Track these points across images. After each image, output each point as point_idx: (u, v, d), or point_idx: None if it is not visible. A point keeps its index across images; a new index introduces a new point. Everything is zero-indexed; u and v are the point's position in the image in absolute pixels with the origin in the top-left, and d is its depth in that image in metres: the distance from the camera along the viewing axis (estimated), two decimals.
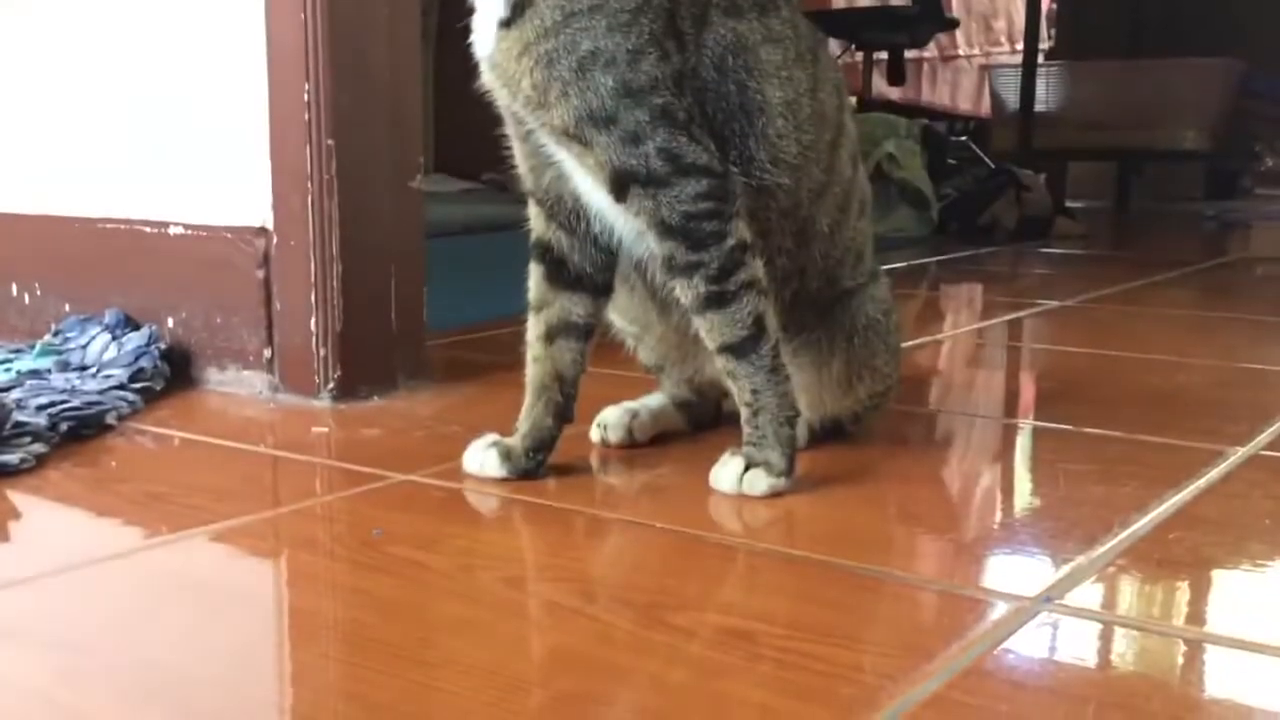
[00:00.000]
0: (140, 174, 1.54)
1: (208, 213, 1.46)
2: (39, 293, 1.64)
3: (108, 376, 1.36)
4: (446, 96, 3.99)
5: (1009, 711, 0.67)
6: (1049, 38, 5.91)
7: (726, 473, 1.04)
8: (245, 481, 1.13)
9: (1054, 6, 5.97)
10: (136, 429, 1.28)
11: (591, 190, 1.03)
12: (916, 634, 0.78)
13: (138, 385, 1.36)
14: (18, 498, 1.06)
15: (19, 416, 1.17)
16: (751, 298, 1.02)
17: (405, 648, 0.75)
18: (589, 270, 1.09)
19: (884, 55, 4.77)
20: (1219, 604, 0.85)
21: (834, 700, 0.68)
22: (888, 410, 1.24)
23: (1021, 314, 2.17)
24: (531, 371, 1.10)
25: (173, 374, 1.44)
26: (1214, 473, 1.11)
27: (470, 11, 1.02)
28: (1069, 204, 4.21)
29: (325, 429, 1.29)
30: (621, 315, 1.19)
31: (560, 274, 1.09)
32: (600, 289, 1.10)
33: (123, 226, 1.54)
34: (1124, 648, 0.77)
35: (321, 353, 1.37)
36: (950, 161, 3.91)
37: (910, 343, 1.77)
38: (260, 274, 1.41)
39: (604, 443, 1.20)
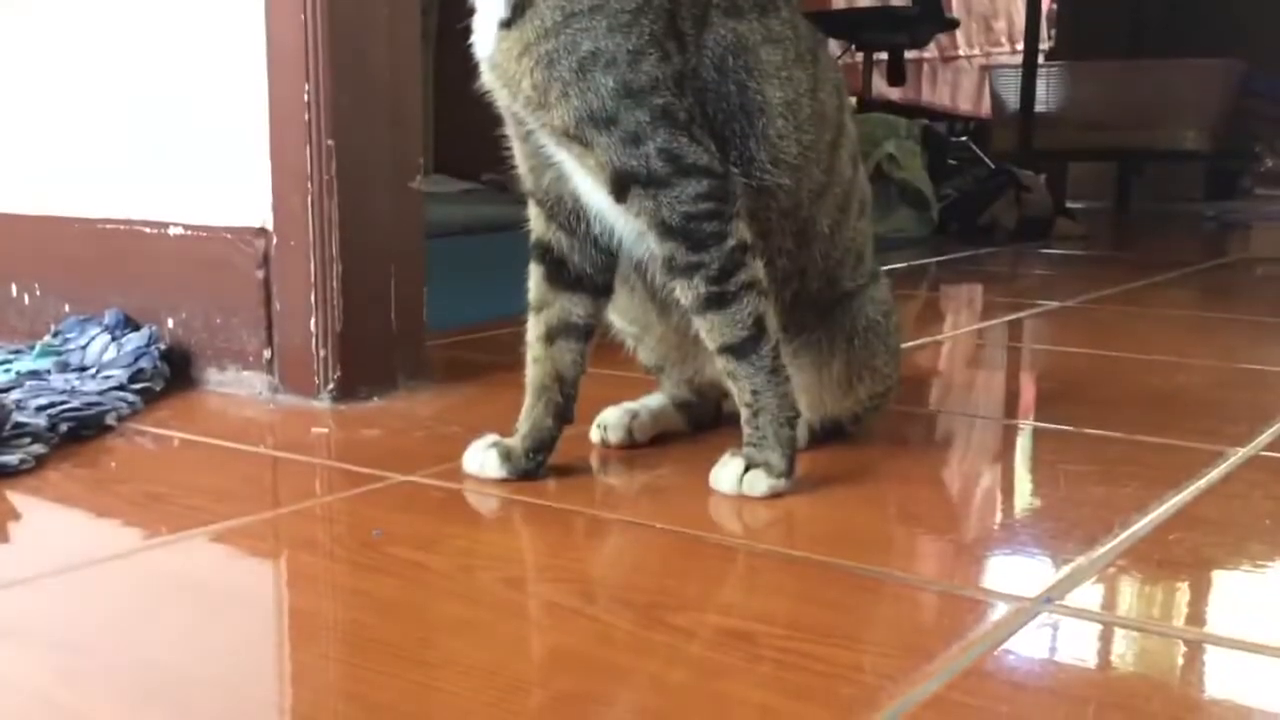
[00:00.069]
0: (140, 174, 1.54)
1: (207, 213, 1.46)
2: (39, 293, 1.64)
3: (107, 377, 1.36)
4: (446, 96, 3.99)
5: (1009, 712, 0.67)
6: (1049, 38, 5.91)
7: (727, 473, 1.04)
8: (245, 482, 1.13)
9: (1054, 7, 5.97)
10: (136, 430, 1.28)
11: (592, 191, 1.03)
12: (917, 634, 0.78)
13: (137, 386, 1.36)
14: (17, 498, 1.06)
15: (19, 417, 1.17)
16: (752, 298, 1.02)
17: (405, 648, 0.75)
18: (589, 271, 1.09)
19: (884, 55, 4.77)
20: (1219, 605, 0.85)
21: (834, 701, 0.68)
22: (888, 411, 1.24)
23: (1021, 314, 2.17)
24: (531, 372, 1.10)
25: (172, 374, 1.44)
26: (1214, 473, 1.11)
27: (470, 12, 1.02)
28: (1069, 204, 4.21)
29: (325, 429, 1.29)
30: (621, 316, 1.19)
31: (560, 275, 1.09)
32: (600, 290, 1.10)
33: (122, 227, 1.54)
34: (1124, 648, 0.77)
35: (321, 353, 1.37)
36: (950, 162, 3.91)
37: (910, 343, 1.77)
38: (260, 274, 1.41)
39: (604, 443, 1.20)
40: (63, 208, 1.62)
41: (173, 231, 1.49)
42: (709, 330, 1.03)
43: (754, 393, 1.03)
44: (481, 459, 1.09)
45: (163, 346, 1.45)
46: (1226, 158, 5.41)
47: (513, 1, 0.98)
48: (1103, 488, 1.09)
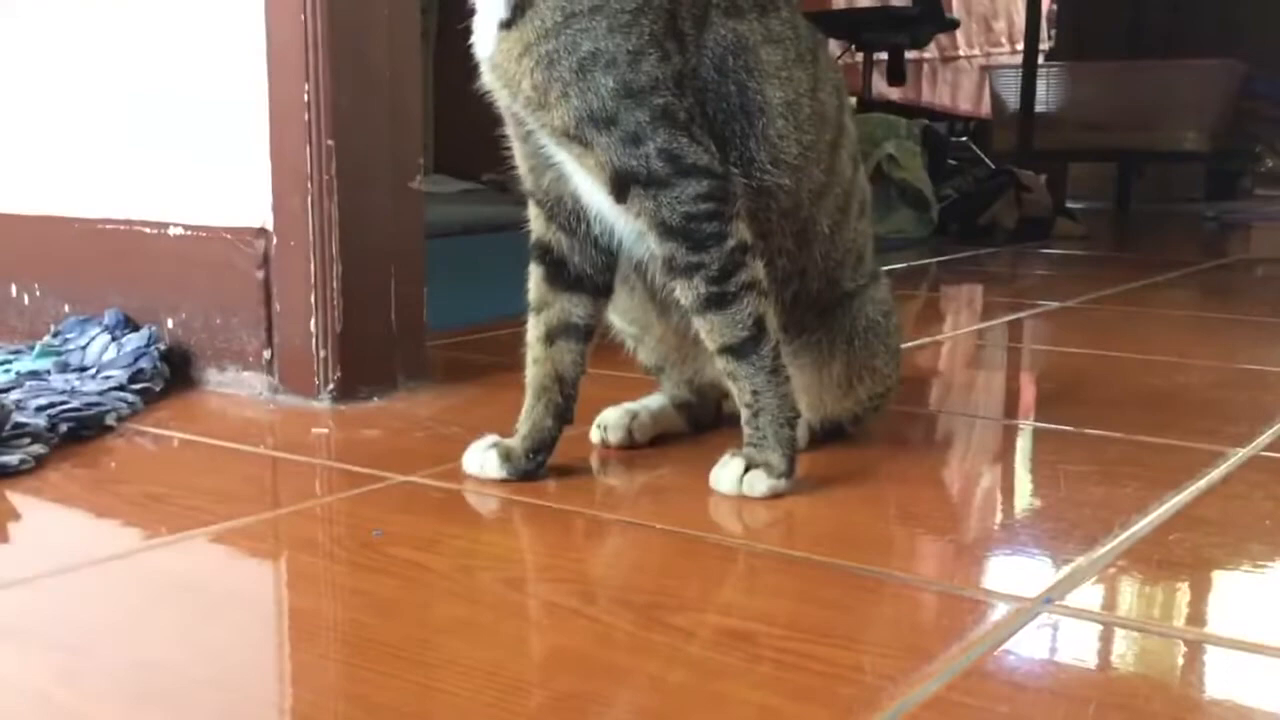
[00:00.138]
0: (140, 175, 1.54)
1: (207, 213, 1.46)
2: (39, 293, 1.64)
3: (107, 377, 1.36)
4: (446, 96, 3.99)
5: (1009, 712, 0.67)
6: (1049, 38, 5.91)
7: (727, 474, 1.04)
8: (245, 482, 1.13)
9: (1054, 7, 5.97)
10: (136, 430, 1.28)
11: (592, 191, 1.03)
12: (917, 635, 0.78)
13: (137, 386, 1.36)
14: (17, 499, 1.06)
15: (18, 417, 1.17)
16: (752, 299, 1.02)
17: (405, 648, 0.75)
18: (589, 271, 1.09)
19: (884, 56, 4.77)
20: (1219, 605, 0.85)
21: (834, 701, 0.68)
22: (888, 411, 1.24)
23: (1022, 315, 2.17)
24: (531, 373, 1.10)
25: (172, 375, 1.44)
26: (1214, 474, 1.11)
27: (471, 12, 1.02)
28: (1069, 205, 4.21)
29: (325, 430, 1.29)
30: (621, 316, 1.19)
31: (560, 275, 1.09)
32: (600, 290, 1.10)
33: (122, 227, 1.54)
34: (1124, 649, 0.77)
35: (321, 354, 1.37)
36: (950, 162, 3.91)
37: (910, 343, 1.77)
38: (260, 275, 1.41)
39: (604, 444, 1.20)
40: (63, 208, 1.62)
41: (173, 232, 1.49)
42: (709, 331, 1.03)
43: (754, 393, 1.03)
44: (481, 459, 1.09)
45: (162, 347, 1.45)
46: (1226, 158, 5.41)
47: (513, 2, 0.98)
48: (1103, 488, 1.09)
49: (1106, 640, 0.78)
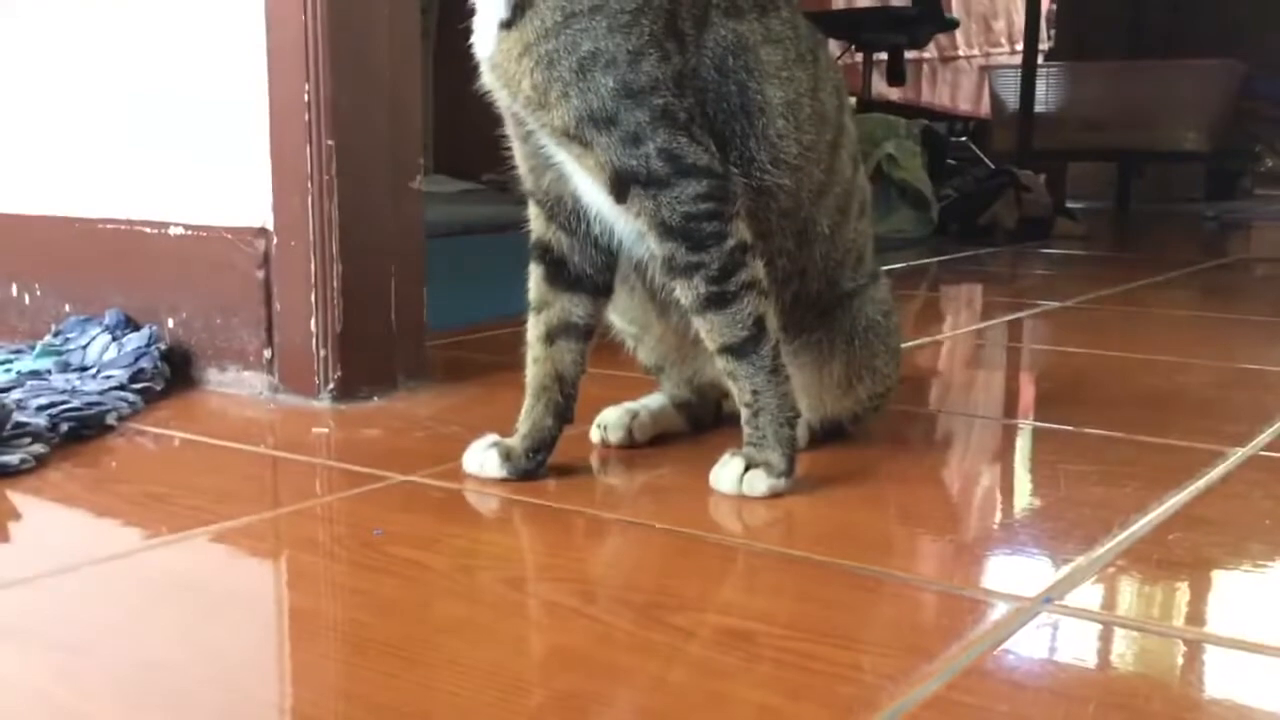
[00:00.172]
0: (140, 175, 1.54)
1: (208, 213, 1.46)
2: (39, 293, 1.64)
3: (108, 377, 1.36)
4: (447, 97, 3.99)
5: (1009, 712, 0.67)
6: (1049, 38, 5.91)
7: (727, 473, 1.04)
8: (245, 482, 1.13)
9: (1054, 7, 5.97)
10: (137, 429, 1.28)
11: (591, 191, 1.03)
12: (916, 634, 0.78)
13: (138, 386, 1.36)
14: (18, 498, 1.06)
15: (19, 417, 1.17)
16: (752, 298, 1.02)
17: (405, 648, 0.75)
18: (589, 271, 1.09)
19: (884, 56, 4.77)
20: (1219, 604, 0.85)
21: (834, 700, 0.68)
22: (888, 411, 1.24)
23: (1021, 314, 2.17)
24: (531, 372, 1.11)
25: (173, 374, 1.44)
26: (1214, 473, 1.11)
27: (471, 12, 1.02)
28: (1069, 204, 4.21)
29: (325, 429, 1.29)
30: (621, 316, 1.19)
31: (560, 275, 1.09)
32: (600, 290, 1.10)
33: (123, 227, 1.54)
34: (1124, 648, 0.77)
35: (322, 353, 1.37)
36: (950, 162, 3.91)
37: (910, 343, 1.77)
38: (260, 274, 1.41)
39: (604, 443, 1.20)
40: (63, 208, 1.62)
41: (173, 231, 1.49)
42: (709, 330, 1.03)
43: (754, 393, 1.03)
44: (481, 459, 1.09)
45: (163, 346, 1.45)
46: (1226, 158, 5.41)
47: (513, 2, 0.98)
48: (1102, 488, 1.09)
49: (1106, 640, 0.78)
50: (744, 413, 1.05)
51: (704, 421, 1.25)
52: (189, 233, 1.47)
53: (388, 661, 0.73)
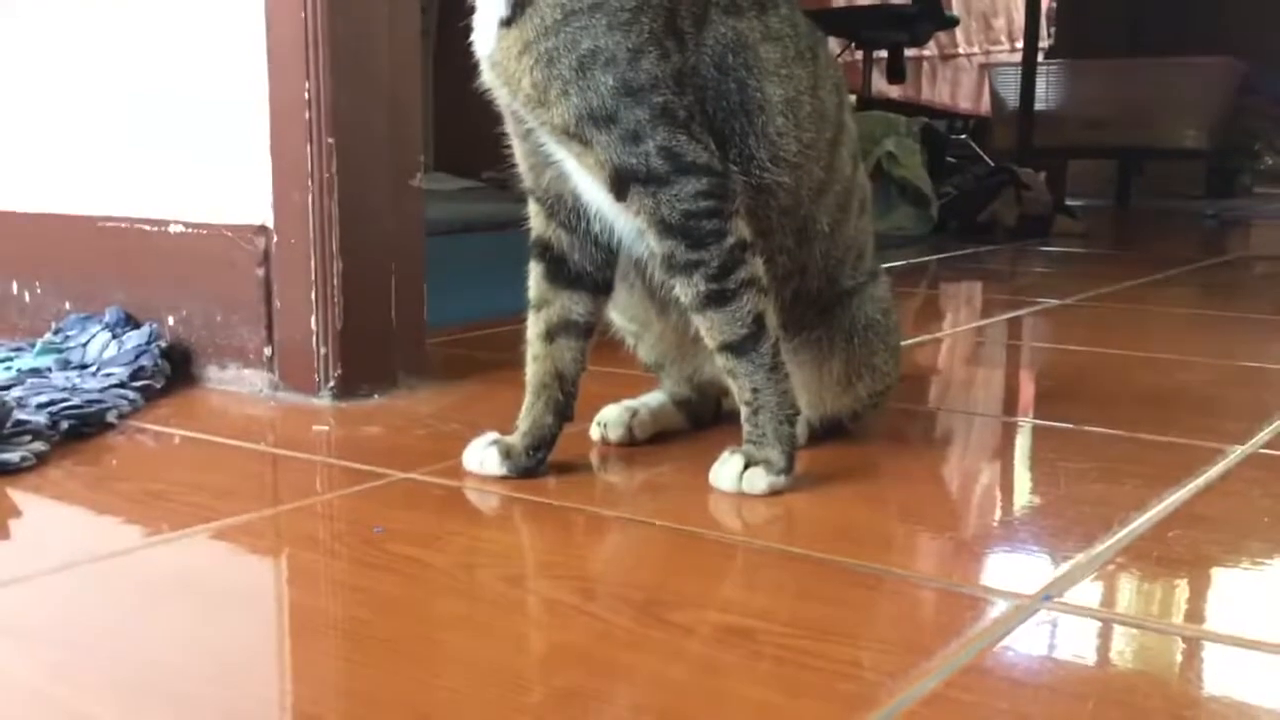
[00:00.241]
0: (141, 173, 1.54)
1: (208, 211, 1.46)
2: (40, 291, 1.64)
3: (108, 374, 1.36)
4: (447, 94, 3.99)
5: (1008, 709, 0.67)
6: (1049, 36, 5.91)
7: (726, 471, 1.04)
8: (246, 479, 1.13)
9: (1054, 5, 5.97)
10: (137, 427, 1.28)
11: (591, 189, 1.03)
12: (916, 631, 0.78)
13: (138, 383, 1.36)
14: (18, 496, 1.06)
15: (20, 415, 1.17)
16: (751, 296, 1.02)
17: (406, 645, 0.75)
18: (589, 269, 1.09)
19: (884, 53, 4.77)
20: (1218, 602, 0.85)
21: (833, 697, 0.68)
22: (887, 408, 1.24)
23: (1021, 312, 2.17)
24: (531, 370, 1.11)
25: (173, 372, 1.44)
26: (1213, 471, 1.11)
27: (471, 10, 1.02)
28: (1069, 202, 4.21)
29: (326, 427, 1.29)
30: (621, 313, 1.19)
31: (560, 272, 1.09)
32: (600, 287, 1.10)
33: (123, 225, 1.54)
34: (1123, 645, 0.77)
35: (322, 350, 1.37)
36: (950, 160, 3.91)
37: (910, 341, 1.77)
38: (260, 272, 1.41)
39: (604, 441, 1.20)
40: (64, 206, 1.62)
41: (173, 229, 1.49)
42: (709, 328, 1.03)
43: (754, 390, 1.04)
44: (482, 456, 1.09)
45: (163, 344, 1.45)
46: (1226, 156, 5.41)
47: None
48: (1102, 485, 1.09)
49: (1105, 637, 0.78)
50: (744, 410, 1.05)
51: (704, 419, 1.26)
52: (189, 230, 1.47)
53: (388, 659, 0.73)
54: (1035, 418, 1.41)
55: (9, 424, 1.15)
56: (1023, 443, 1.31)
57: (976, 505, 1.08)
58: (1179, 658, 0.76)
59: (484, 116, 1.09)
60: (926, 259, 3.00)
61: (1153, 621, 0.80)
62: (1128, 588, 0.86)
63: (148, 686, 0.70)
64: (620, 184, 1.00)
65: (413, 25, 1.44)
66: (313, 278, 1.36)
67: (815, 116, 1.08)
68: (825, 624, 0.78)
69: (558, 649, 0.76)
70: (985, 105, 5.75)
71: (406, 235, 1.44)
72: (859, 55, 4.76)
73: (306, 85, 1.34)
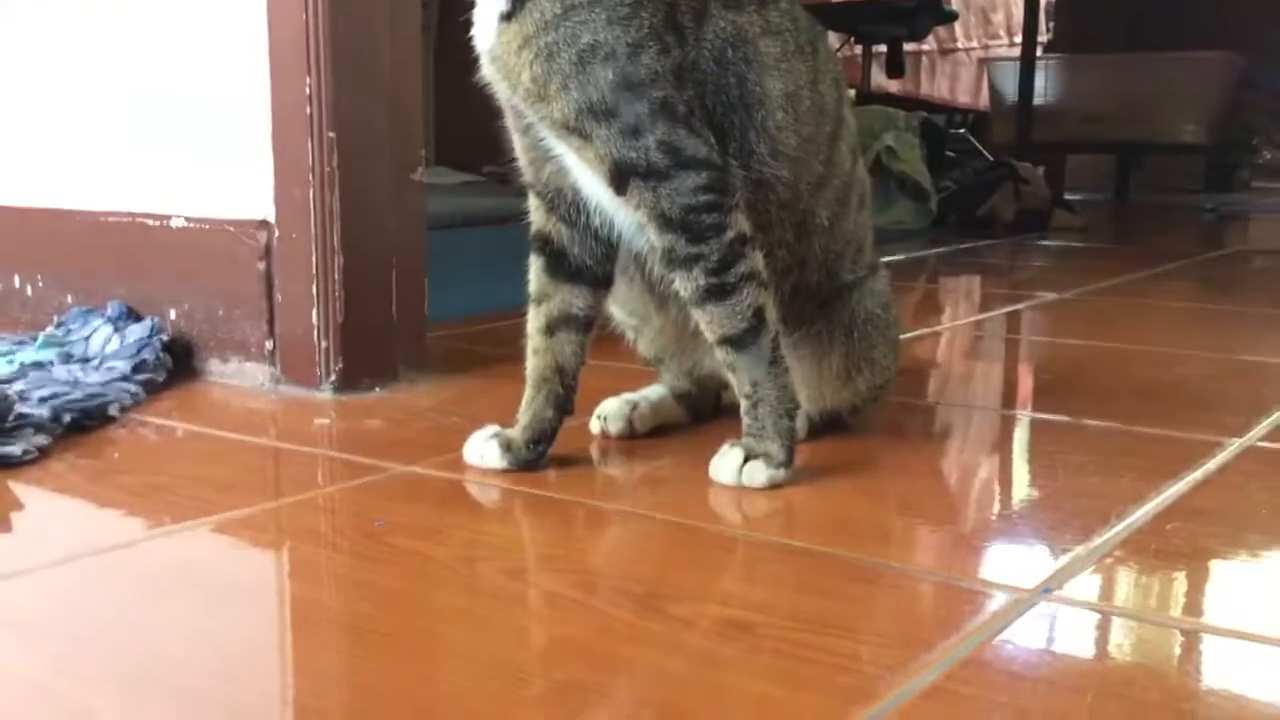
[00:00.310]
0: (142, 167, 1.55)
1: (210, 205, 1.47)
2: (41, 285, 1.64)
3: (110, 368, 1.36)
4: (447, 89, 3.99)
5: (1007, 702, 0.67)
6: (1047, 31, 5.91)
7: (726, 464, 1.04)
8: (247, 473, 1.14)
9: (1052, 0, 5.97)
10: (139, 420, 1.28)
11: (591, 183, 1.04)
12: (915, 625, 0.79)
13: (140, 377, 1.37)
14: (20, 489, 1.07)
15: (22, 408, 1.18)
16: (751, 290, 1.02)
17: (407, 638, 0.76)
18: (589, 263, 1.09)
19: (883, 48, 4.76)
20: (1216, 595, 0.85)
21: (833, 690, 0.68)
22: (886, 402, 1.25)
23: (1019, 306, 2.17)
24: (532, 364, 1.11)
25: (175, 366, 1.44)
26: (1211, 464, 1.12)
27: (471, 4, 1.02)
28: (1067, 196, 4.22)
29: (327, 420, 1.29)
30: (621, 307, 1.19)
31: (560, 266, 1.10)
32: (600, 281, 1.11)
33: (125, 219, 1.54)
34: (1122, 638, 0.78)
35: (323, 344, 1.38)
36: (949, 154, 3.91)
37: (909, 335, 1.77)
38: (262, 266, 1.41)
39: (604, 434, 1.20)
40: (66, 200, 1.62)
41: (175, 223, 1.49)
42: (709, 322, 1.04)
43: (753, 384, 1.04)
44: (482, 450, 1.09)
45: (165, 338, 1.45)
46: (1225, 150, 5.41)
47: None
48: (1100, 478, 1.09)
49: (1104, 630, 0.78)
50: (743, 404, 1.05)
51: (704, 412, 1.26)
52: (191, 225, 1.48)
53: (389, 652, 0.73)
54: (1033, 411, 1.41)
55: (11, 417, 1.15)
56: (1021, 436, 1.31)
57: (975, 499, 1.08)
58: (1177, 651, 0.76)
59: (485, 111, 1.09)
60: (925, 253, 3.00)
61: (1151, 614, 0.81)
62: (1126, 581, 0.86)
63: (149, 680, 0.70)
64: (620, 178, 1.00)
65: (413, 20, 1.44)
66: (314, 272, 1.37)
67: (815, 111, 1.08)
68: (825, 617, 0.79)
69: (558, 642, 0.76)
70: (984, 100, 5.74)
71: (407, 230, 1.44)
72: (858, 50, 4.76)
73: (307, 81, 1.35)
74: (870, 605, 0.83)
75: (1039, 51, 4.99)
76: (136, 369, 1.37)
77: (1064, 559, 0.89)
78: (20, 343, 1.49)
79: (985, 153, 4.11)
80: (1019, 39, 4.92)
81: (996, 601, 0.81)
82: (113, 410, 1.28)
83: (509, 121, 1.08)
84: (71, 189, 1.62)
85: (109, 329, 1.46)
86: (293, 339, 1.40)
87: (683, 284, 1.03)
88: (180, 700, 0.68)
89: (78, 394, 1.26)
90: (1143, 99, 4.91)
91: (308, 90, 1.35)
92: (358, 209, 1.38)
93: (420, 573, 0.87)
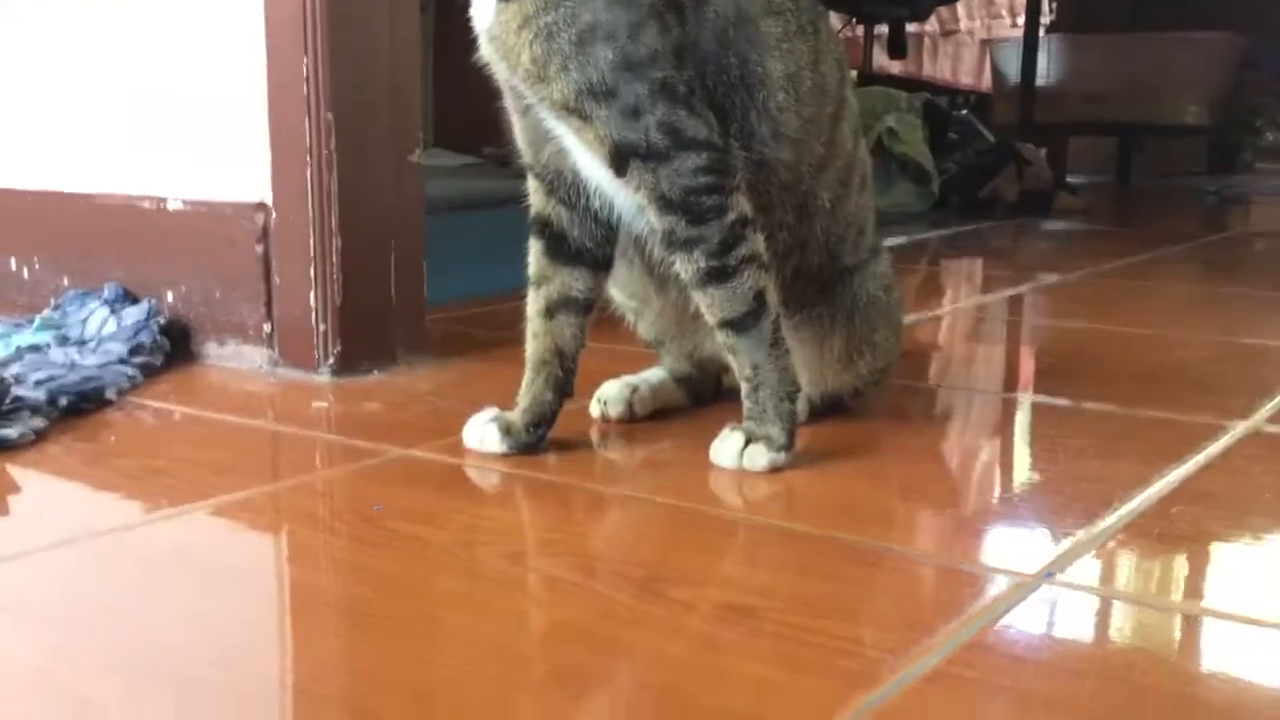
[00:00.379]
0: (139, 149, 1.54)
1: (207, 188, 1.46)
2: (38, 267, 1.63)
3: (107, 351, 1.36)
4: (446, 70, 3.98)
5: (1010, 686, 0.67)
6: (1050, 11, 5.88)
7: (727, 448, 1.04)
8: (245, 456, 1.13)
9: None
10: (136, 404, 1.28)
11: (591, 165, 1.03)
12: (917, 609, 0.78)
13: (137, 360, 1.36)
14: (17, 472, 1.06)
15: (18, 391, 1.17)
16: (752, 272, 1.01)
17: (406, 623, 0.75)
18: (589, 245, 1.09)
19: (885, 29, 4.75)
20: (1219, 578, 0.85)
21: (834, 674, 0.68)
22: (888, 385, 1.24)
23: (1022, 289, 2.17)
24: (531, 347, 1.10)
25: (172, 349, 1.44)
26: (1214, 447, 1.11)
27: None
28: (1070, 178, 4.21)
29: (325, 403, 1.29)
30: (621, 290, 1.19)
31: (560, 249, 1.09)
32: (600, 264, 1.10)
33: (122, 201, 1.54)
34: (1124, 622, 0.77)
35: (321, 327, 1.37)
36: (951, 136, 3.90)
37: (911, 317, 1.77)
38: (259, 249, 1.40)
39: (604, 418, 1.20)
40: (62, 183, 1.62)
41: (172, 206, 1.48)
42: (709, 305, 1.03)
43: (754, 367, 1.03)
44: (482, 433, 1.09)
45: (162, 320, 1.45)
46: (1228, 132, 5.40)
47: None
48: (1102, 462, 1.09)
49: (1106, 614, 0.78)
50: (744, 387, 1.05)
51: (704, 396, 1.25)
52: (188, 207, 1.47)
53: (388, 637, 0.73)
54: (1035, 394, 1.41)
55: (8, 400, 1.14)
56: (1023, 419, 1.31)
57: (977, 482, 1.07)
58: (1180, 635, 0.76)
59: (484, 92, 1.08)
60: (927, 235, 2.99)
61: (1153, 599, 0.80)
62: (1128, 565, 0.86)
63: (148, 666, 0.70)
64: (620, 159, 0.99)
65: (412, 0, 1.44)
66: (312, 254, 1.36)
67: (816, 91, 1.07)
68: (826, 601, 0.78)
69: (558, 626, 0.76)
70: (986, 81, 5.73)
71: (406, 212, 1.43)
72: (860, 30, 4.74)
73: (305, 61, 1.34)
74: (872, 589, 0.82)
75: (1041, 32, 4.98)
76: (133, 352, 1.37)
77: (1066, 543, 0.88)
78: (17, 325, 1.49)
79: (987, 134, 4.09)
80: (1021, 20, 4.90)
81: (999, 585, 0.81)
82: (109, 393, 1.27)
83: (508, 103, 1.07)
84: (68, 172, 1.61)
85: (105, 312, 1.46)
86: (290, 322, 1.39)
87: (683, 266, 1.02)
88: (178, 685, 0.68)
89: (74, 377, 1.26)
90: (1145, 80, 4.89)
91: (305, 71, 1.34)
92: (356, 191, 1.37)
93: (419, 557, 0.86)
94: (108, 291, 1.50)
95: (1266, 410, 1.24)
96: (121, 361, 1.34)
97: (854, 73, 4.18)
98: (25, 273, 1.64)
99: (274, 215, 1.39)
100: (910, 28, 5.02)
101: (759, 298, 1.02)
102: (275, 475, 1.09)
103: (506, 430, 1.08)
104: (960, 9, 6.00)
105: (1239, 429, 1.17)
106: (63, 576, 0.84)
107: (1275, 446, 1.14)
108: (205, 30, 1.45)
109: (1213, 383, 1.43)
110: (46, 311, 1.52)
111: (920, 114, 3.64)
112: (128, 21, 1.53)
